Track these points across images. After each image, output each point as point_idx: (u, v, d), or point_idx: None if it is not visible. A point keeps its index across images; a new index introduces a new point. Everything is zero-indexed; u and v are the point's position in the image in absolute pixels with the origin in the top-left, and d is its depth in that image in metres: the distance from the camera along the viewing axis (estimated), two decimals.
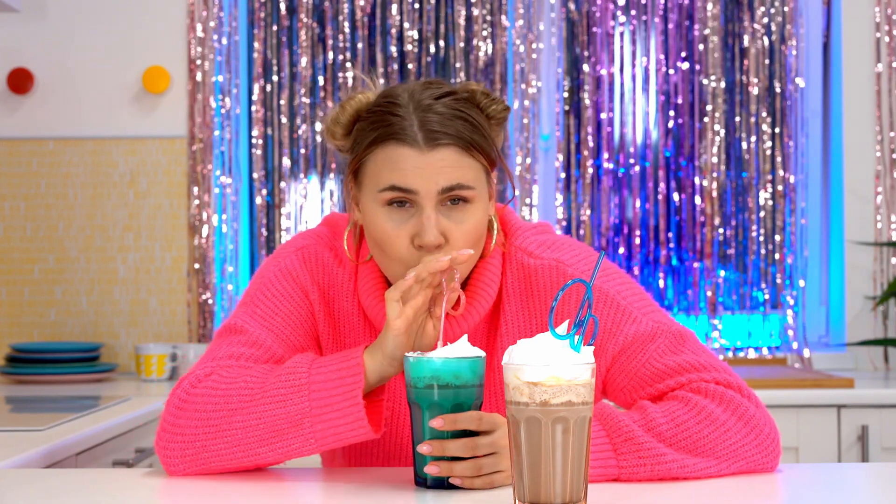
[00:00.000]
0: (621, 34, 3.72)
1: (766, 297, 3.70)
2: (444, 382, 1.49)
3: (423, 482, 1.52)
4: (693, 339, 1.72)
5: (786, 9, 3.69)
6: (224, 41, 3.67)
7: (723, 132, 3.69)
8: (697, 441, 1.59)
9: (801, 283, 3.67)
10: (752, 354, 3.65)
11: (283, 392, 1.58)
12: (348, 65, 3.71)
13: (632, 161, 3.71)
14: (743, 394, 1.66)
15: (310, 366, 1.60)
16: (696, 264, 3.70)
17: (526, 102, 3.66)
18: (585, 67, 3.72)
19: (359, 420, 1.56)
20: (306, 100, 3.70)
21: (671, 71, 3.72)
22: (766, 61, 3.70)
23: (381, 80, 3.70)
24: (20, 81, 3.62)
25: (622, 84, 3.73)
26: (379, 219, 1.66)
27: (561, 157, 3.69)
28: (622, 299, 1.71)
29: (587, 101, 3.71)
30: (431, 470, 1.49)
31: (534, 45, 3.68)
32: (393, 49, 3.71)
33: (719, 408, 1.62)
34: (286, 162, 3.71)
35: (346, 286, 1.77)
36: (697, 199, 3.70)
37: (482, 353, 1.53)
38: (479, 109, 1.70)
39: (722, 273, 3.71)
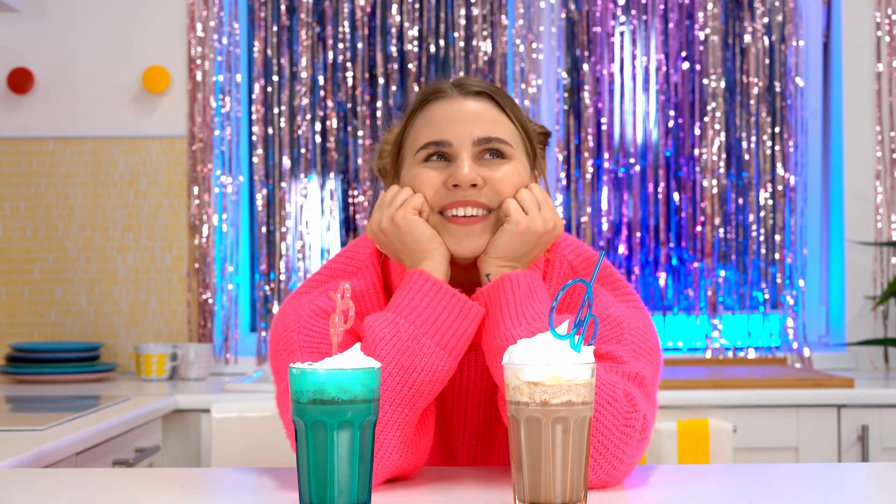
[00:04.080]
0: (621, 34, 3.72)
1: (766, 296, 3.70)
2: (330, 397, 1.32)
3: None
4: (643, 362, 1.65)
5: (786, 8, 3.69)
6: (224, 41, 3.67)
7: (723, 132, 3.69)
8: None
9: (801, 282, 3.67)
10: (752, 354, 3.65)
11: (387, 337, 1.58)
12: (348, 65, 3.71)
13: (632, 161, 3.71)
14: (638, 405, 1.58)
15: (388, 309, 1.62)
16: (696, 264, 3.70)
17: (526, 102, 3.66)
18: (585, 67, 3.72)
19: (461, 304, 1.59)
20: (306, 99, 3.70)
21: (671, 71, 3.72)
22: (767, 61, 3.70)
23: (381, 80, 3.70)
24: (20, 81, 3.62)
25: (622, 84, 3.72)
26: (416, 172, 1.68)
27: (561, 156, 3.69)
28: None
29: (587, 101, 3.71)
30: None
31: (534, 45, 3.68)
32: (393, 49, 3.71)
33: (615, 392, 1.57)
34: (286, 162, 3.71)
35: (373, 297, 1.75)
36: (697, 199, 3.70)
37: (376, 364, 1.36)
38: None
39: (722, 273, 3.71)
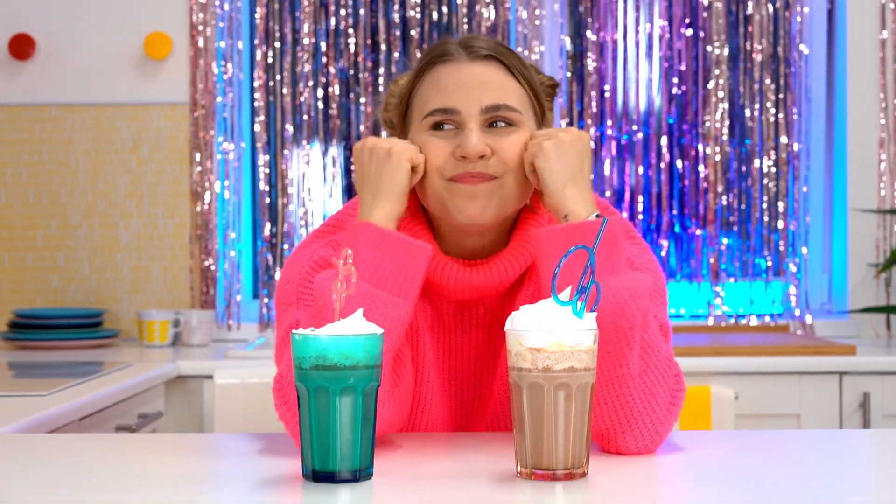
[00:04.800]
0: (625, 0, 3.71)
1: (769, 264, 3.70)
2: (332, 363, 1.32)
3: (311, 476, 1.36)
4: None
5: None
6: (226, 7, 3.66)
7: (726, 99, 3.68)
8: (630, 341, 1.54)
9: (804, 250, 3.67)
10: (754, 322, 3.65)
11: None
12: (351, 31, 3.69)
13: (635, 128, 3.70)
14: (682, 381, 1.60)
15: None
16: (698, 231, 3.70)
17: None
18: (589, 34, 3.70)
19: (404, 244, 1.58)
20: (308, 66, 3.69)
21: (675, 38, 3.70)
22: (771, 28, 3.68)
23: (383, 47, 3.69)
24: (21, 47, 3.60)
25: (625, 51, 3.71)
26: (424, 140, 1.67)
27: (563, 123, 3.68)
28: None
29: (590, 68, 3.69)
30: None
31: (536, 11, 3.66)
32: (395, 15, 3.69)
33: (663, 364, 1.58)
34: (288, 128, 3.70)
35: (411, 220, 1.74)
36: (700, 167, 3.69)
37: (378, 330, 1.36)
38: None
39: (724, 240, 3.70)
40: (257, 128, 3.70)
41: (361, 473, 1.35)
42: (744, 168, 3.70)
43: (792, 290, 3.65)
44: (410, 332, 1.73)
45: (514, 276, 1.72)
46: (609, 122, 3.70)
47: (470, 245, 1.71)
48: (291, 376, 1.53)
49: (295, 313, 1.65)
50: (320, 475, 1.34)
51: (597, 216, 1.58)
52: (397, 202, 1.64)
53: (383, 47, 3.69)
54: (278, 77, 3.70)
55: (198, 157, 3.62)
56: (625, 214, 3.69)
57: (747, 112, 3.69)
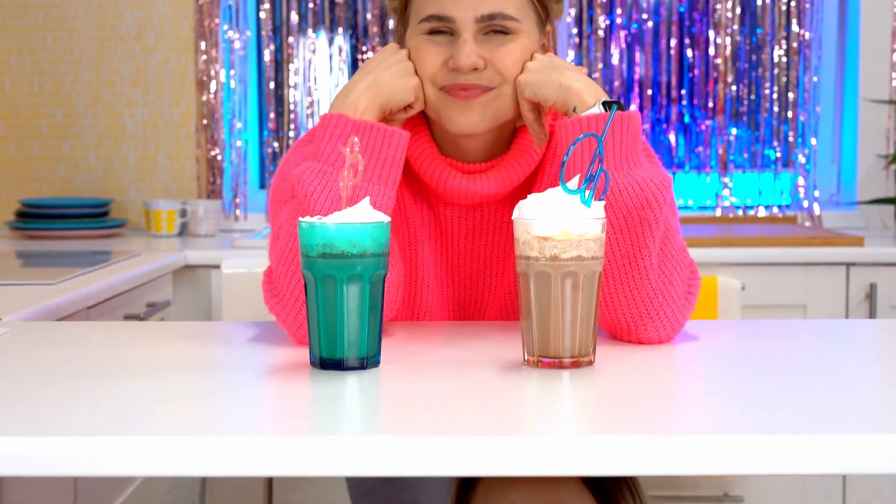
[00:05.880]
0: None
1: (778, 155, 3.68)
2: (339, 251, 1.32)
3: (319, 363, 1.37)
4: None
5: None
6: None
7: None
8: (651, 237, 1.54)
9: (814, 141, 3.64)
10: (762, 213, 3.64)
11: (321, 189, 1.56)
12: None
13: (644, 17, 3.66)
14: (697, 271, 1.62)
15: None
16: (707, 122, 3.67)
17: None
18: None
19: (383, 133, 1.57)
20: None
21: None
22: None
23: None
24: None
25: None
26: (417, 46, 1.64)
27: (573, 12, 3.64)
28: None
29: None
30: None
31: None
32: None
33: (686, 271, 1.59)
34: (294, 17, 3.66)
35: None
36: (710, 56, 3.65)
37: (385, 219, 1.36)
38: None
39: (734, 131, 3.68)
40: (262, 16, 3.65)
41: (368, 361, 1.36)
42: (754, 57, 3.66)
43: (800, 181, 3.64)
44: (407, 232, 1.73)
45: (515, 184, 1.71)
46: (619, 11, 3.65)
47: (469, 147, 1.70)
48: (282, 270, 1.54)
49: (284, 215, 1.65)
50: (327, 363, 1.35)
51: (604, 103, 1.56)
52: (381, 106, 1.62)
53: None
54: None
55: (203, 45, 3.59)
56: (633, 106, 3.66)
57: (758, 0, 3.63)
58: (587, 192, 1.36)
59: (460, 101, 1.62)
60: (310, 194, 1.53)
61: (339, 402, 1.25)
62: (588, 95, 1.57)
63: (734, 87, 3.65)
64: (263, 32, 3.66)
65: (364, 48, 3.67)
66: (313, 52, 3.67)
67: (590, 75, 3.62)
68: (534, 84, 1.60)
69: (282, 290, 1.54)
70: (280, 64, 3.69)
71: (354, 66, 3.69)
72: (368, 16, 3.64)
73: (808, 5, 3.61)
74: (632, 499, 1.49)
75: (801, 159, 3.64)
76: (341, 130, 1.57)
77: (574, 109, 1.57)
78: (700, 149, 3.68)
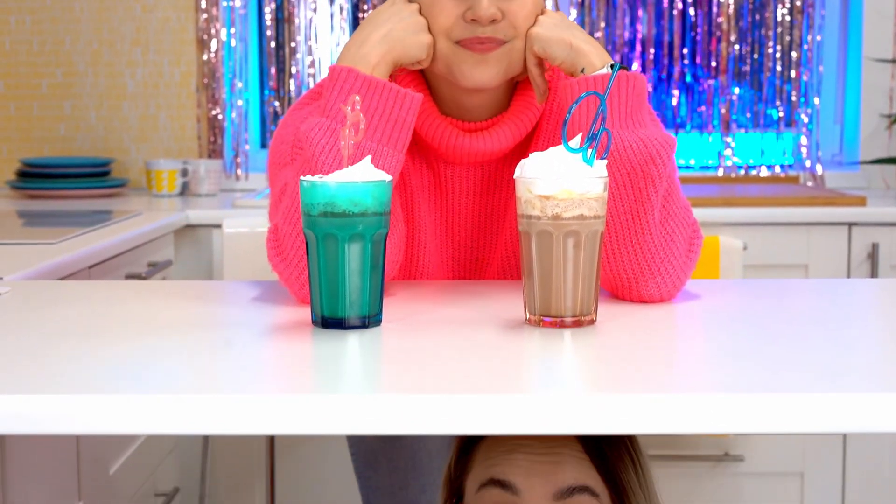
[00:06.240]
0: None
1: (781, 114, 3.67)
2: (340, 210, 1.31)
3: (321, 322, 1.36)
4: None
5: None
6: None
7: None
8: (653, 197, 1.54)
9: (816, 100, 3.63)
10: (764, 172, 3.64)
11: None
12: None
13: None
14: (699, 229, 1.62)
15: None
16: (710, 81, 3.66)
17: None
18: None
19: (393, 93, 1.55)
20: None
21: None
22: None
23: None
24: None
25: None
26: None
27: None
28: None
29: None
30: None
31: None
32: None
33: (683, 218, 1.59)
34: None
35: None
36: (713, 15, 3.63)
37: (387, 177, 1.35)
38: None
39: (736, 90, 3.67)
40: None
41: (370, 320, 1.36)
42: (757, 16, 3.64)
43: (803, 140, 3.63)
44: (406, 192, 1.72)
45: (518, 140, 1.70)
46: None
47: (469, 104, 1.69)
48: (287, 229, 1.53)
49: (289, 173, 1.64)
50: (329, 321, 1.35)
51: (611, 66, 1.55)
52: (393, 61, 1.60)
53: None
54: None
55: (203, 3, 3.57)
56: (636, 66, 3.65)
57: None
58: (589, 150, 1.35)
59: (476, 53, 1.61)
60: (318, 153, 1.52)
61: (341, 361, 1.25)
62: (596, 58, 1.57)
63: (737, 47, 3.64)
64: None
65: (365, 6, 3.65)
66: (314, 10, 3.65)
67: (592, 35, 3.60)
68: (544, 40, 1.59)
69: (286, 248, 1.53)
70: (281, 23, 3.67)
71: (355, 24, 3.67)
72: None
73: None
74: (631, 463, 1.49)
75: (804, 119, 3.63)
76: (351, 86, 1.55)
77: (582, 71, 1.56)
78: (703, 108, 3.67)
